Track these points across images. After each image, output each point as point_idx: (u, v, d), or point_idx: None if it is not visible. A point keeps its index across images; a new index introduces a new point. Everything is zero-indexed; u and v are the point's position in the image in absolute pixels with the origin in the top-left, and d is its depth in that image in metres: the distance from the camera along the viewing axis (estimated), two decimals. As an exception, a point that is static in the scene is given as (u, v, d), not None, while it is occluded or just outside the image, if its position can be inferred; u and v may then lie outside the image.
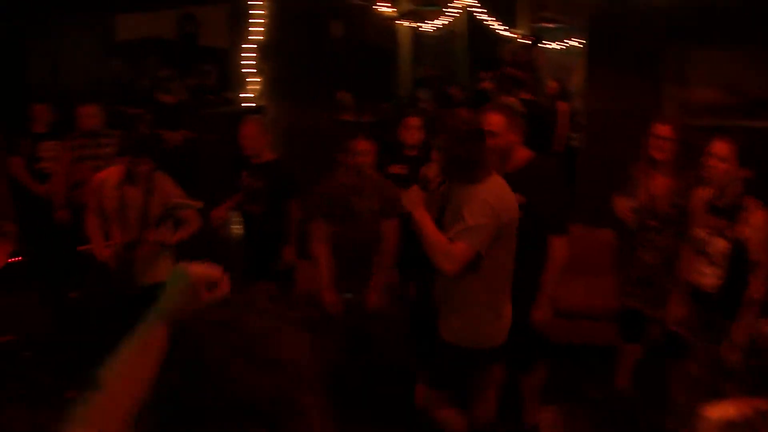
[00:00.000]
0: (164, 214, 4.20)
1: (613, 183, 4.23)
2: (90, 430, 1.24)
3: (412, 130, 4.57)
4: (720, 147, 3.35)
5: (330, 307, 3.98)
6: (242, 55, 5.82)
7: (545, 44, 13.15)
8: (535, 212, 3.37)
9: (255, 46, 6.01)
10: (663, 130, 3.83)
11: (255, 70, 5.97)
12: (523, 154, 3.49)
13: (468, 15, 12.18)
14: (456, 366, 3.26)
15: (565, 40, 12.96)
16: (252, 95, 5.86)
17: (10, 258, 3.81)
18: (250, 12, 5.86)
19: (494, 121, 3.38)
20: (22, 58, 6.43)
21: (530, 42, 12.58)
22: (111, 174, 4.30)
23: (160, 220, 4.19)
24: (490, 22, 12.22)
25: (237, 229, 4.96)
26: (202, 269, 1.47)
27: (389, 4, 9.53)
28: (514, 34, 12.93)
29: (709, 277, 3.38)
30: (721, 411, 1.44)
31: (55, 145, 5.70)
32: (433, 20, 11.14)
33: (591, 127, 5.82)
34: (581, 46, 11.37)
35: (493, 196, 2.96)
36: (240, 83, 5.85)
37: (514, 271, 3.41)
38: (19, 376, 4.12)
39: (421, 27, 10.96)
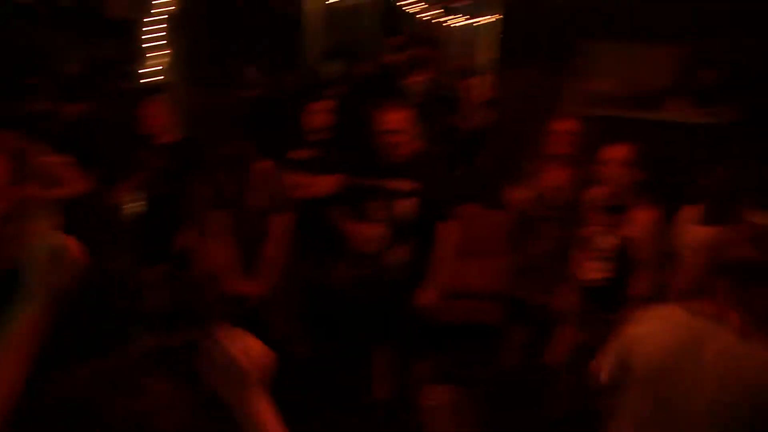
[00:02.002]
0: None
1: (514, 166, 4.42)
2: None
3: (320, 115, 4.61)
4: (618, 152, 3.55)
5: (229, 290, 4.04)
6: (147, 27, 5.68)
7: (455, 19, 13.31)
8: (426, 199, 3.54)
9: (161, 18, 5.89)
10: (564, 124, 4.05)
11: (160, 44, 5.86)
12: (413, 144, 3.64)
13: (379, -14, 12.15)
14: None
15: (475, 17, 13.14)
16: (156, 70, 5.75)
17: None
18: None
19: (398, 118, 3.50)
20: None
21: (438, 17, 12.71)
22: None
23: None
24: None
25: (136, 209, 4.92)
26: (62, 239, 1.46)
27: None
28: (423, 7, 13.01)
29: (597, 272, 3.62)
30: None
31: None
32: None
33: (499, 108, 6.01)
34: (490, 22, 11.61)
35: None
36: (144, 58, 5.73)
37: (407, 257, 3.59)
38: None
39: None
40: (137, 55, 5.88)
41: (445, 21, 13.13)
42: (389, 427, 4.00)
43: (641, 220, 3.48)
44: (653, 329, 2.13)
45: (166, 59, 5.96)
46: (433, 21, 12.60)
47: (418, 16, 12.83)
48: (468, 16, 13.41)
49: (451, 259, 3.75)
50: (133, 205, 4.93)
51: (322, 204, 4.31)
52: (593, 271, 3.63)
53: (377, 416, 4.05)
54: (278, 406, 3.94)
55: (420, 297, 3.67)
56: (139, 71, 5.79)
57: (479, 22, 12.79)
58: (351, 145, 4.77)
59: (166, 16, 5.90)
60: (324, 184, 4.46)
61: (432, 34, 10.59)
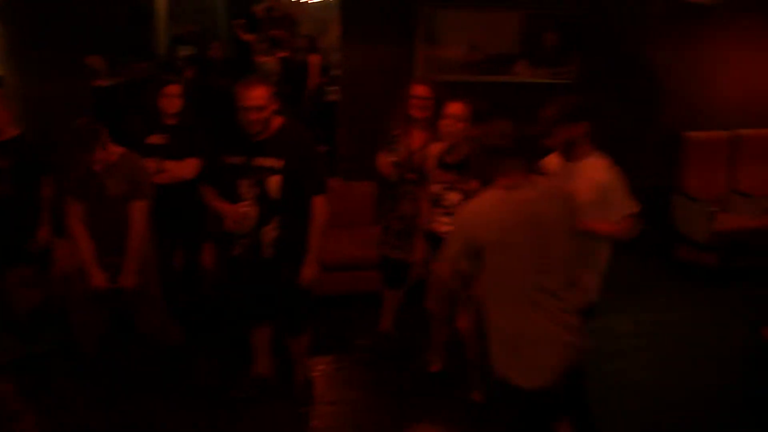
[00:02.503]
0: None
1: (370, 137, 4.48)
2: None
3: (173, 99, 4.48)
4: (455, 108, 3.69)
5: (96, 284, 3.91)
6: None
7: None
8: (293, 175, 3.53)
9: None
10: (420, 90, 4.15)
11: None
12: (276, 121, 3.60)
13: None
14: None
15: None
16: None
17: None
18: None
19: (260, 94, 3.45)
20: None
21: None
22: None
23: None
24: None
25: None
26: None
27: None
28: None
29: (446, 225, 3.72)
30: None
31: None
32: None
33: (346, 83, 6.01)
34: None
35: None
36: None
37: (280, 234, 3.57)
38: None
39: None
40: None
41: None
42: (273, 405, 3.99)
43: None
44: (484, 209, 2.71)
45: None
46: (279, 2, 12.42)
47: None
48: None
49: (324, 232, 3.75)
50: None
51: (184, 188, 4.21)
52: (443, 224, 3.75)
53: (260, 394, 4.03)
54: (159, 396, 3.86)
55: (302, 272, 3.66)
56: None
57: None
58: (211, 126, 4.67)
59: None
60: (184, 167, 4.36)
61: (284, 13, 10.46)
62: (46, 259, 4.45)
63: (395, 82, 4.57)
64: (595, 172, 3.23)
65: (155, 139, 4.45)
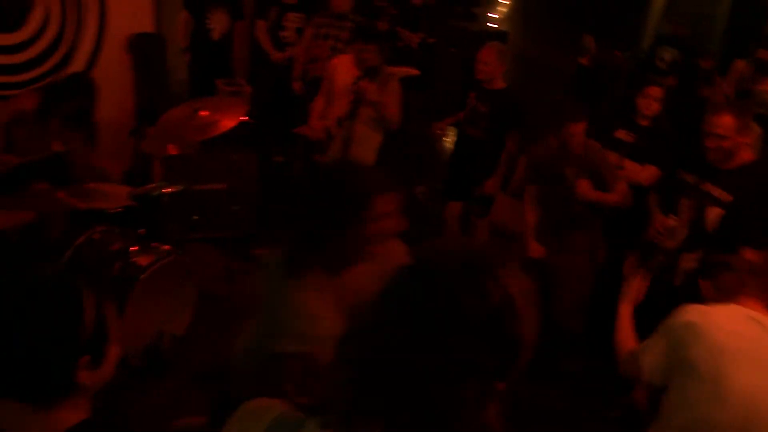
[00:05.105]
0: None
1: None
2: None
3: (652, 101, 4.37)
4: None
5: (532, 254, 4.01)
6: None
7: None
8: (738, 216, 3.24)
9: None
10: None
11: (507, -7, 5.91)
12: (744, 156, 3.31)
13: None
14: None
15: None
16: (498, 17, 5.82)
17: (243, 117, 4.19)
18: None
19: (724, 123, 3.23)
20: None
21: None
22: (344, 60, 4.53)
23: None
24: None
25: (450, 144, 5.09)
26: None
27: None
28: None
29: None
30: None
31: (299, 18, 5.98)
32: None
33: None
34: None
35: None
36: (489, 2, 5.81)
37: (699, 269, 3.29)
38: (222, 225, 4.43)
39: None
40: (484, -1, 5.99)
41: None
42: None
43: None
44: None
45: (507, 9, 6.00)
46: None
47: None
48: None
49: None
50: (448, 139, 5.12)
51: (636, 192, 4.12)
52: None
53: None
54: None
55: None
56: (481, 15, 5.89)
57: None
58: (677, 138, 4.49)
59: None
60: (642, 172, 4.24)
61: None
62: (484, 204, 4.76)
63: None
64: None
65: (623, 135, 4.39)
